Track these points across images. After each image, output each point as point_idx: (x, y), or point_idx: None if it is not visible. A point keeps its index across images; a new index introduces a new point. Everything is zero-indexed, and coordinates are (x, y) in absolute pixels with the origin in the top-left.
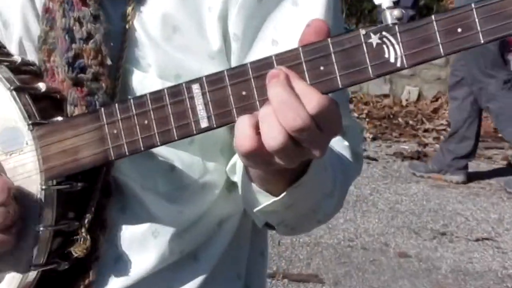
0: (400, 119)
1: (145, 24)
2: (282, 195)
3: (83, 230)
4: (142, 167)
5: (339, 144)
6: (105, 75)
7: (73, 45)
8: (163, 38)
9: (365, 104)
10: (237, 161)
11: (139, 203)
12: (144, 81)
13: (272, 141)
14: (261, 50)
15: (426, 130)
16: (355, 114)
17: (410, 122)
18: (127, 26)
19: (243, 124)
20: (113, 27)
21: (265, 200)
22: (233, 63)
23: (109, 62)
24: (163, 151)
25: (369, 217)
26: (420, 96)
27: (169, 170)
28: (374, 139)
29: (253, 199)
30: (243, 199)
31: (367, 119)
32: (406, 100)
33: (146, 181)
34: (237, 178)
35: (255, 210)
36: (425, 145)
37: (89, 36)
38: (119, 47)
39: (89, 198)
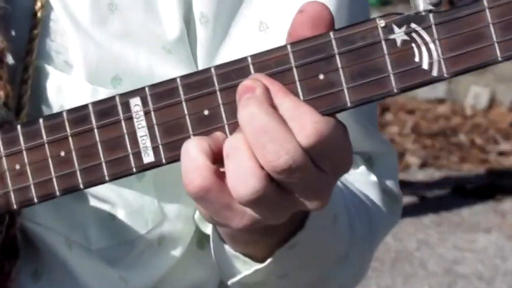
0: (462, 136)
1: (66, 1)
2: (268, 261)
3: None
4: (67, 212)
5: (361, 180)
6: (3, 78)
7: None
8: (94, 21)
9: (410, 113)
10: None
11: (62, 267)
12: (65, 86)
13: (241, 188)
14: (243, 38)
15: (501, 153)
16: (395, 129)
17: (477, 140)
18: (38, 4)
19: (193, 149)
20: (16, 6)
21: (243, 268)
22: (201, 60)
23: (10, 60)
24: (100, 190)
25: (415, 283)
26: (492, 102)
27: (108, 217)
28: (423, 165)
29: (227, 265)
30: (217, 264)
31: (412, 136)
32: (472, 107)
33: (73, 233)
34: (210, 230)
35: (229, 282)
36: (500, 174)
37: None
38: (26, 36)
39: None
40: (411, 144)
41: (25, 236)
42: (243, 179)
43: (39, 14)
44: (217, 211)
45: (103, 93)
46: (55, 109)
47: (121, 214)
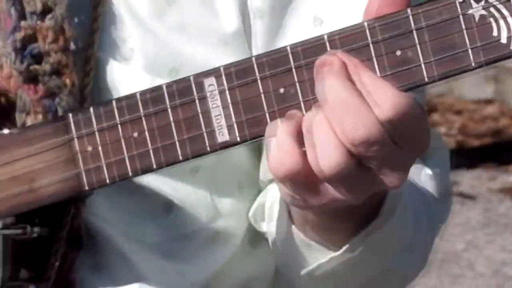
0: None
1: None
2: (344, 248)
3: None
4: (126, 207)
5: (418, 173)
6: (69, 66)
7: (22, 23)
8: (152, 13)
9: (457, 114)
10: (266, 202)
11: (121, 259)
12: (124, 77)
13: (325, 161)
14: (298, 33)
15: None
16: (442, 129)
17: None
18: None
19: (280, 134)
20: None
21: (318, 255)
22: (257, 51)
23: (75, 46)
24: (155, 184)
25: (463, 285)
26: None
27: (163, 212)
28: (471, 167)
29: (297, 255)
30: (280, 256)
31: (459, 137)
32: None
33: (131, 228)
34: (267, 226)
35: (303, 272)
36: None
37: (45, 9)
38: (88, 28)
39: (50, 250)
40: (459, 145)
41: (87, 228)
42: (325, 153)
43: (99, 7)
44: (301, 191)
45: (161, 83)
46: None
47: (175, 209)
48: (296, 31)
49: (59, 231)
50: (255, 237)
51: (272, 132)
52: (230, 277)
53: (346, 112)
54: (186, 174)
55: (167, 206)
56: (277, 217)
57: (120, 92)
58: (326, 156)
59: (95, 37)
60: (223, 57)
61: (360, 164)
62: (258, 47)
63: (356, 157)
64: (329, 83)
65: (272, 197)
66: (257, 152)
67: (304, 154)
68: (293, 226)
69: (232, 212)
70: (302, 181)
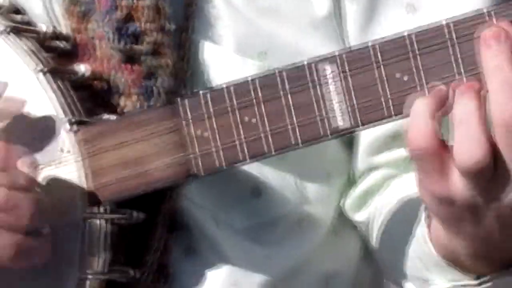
0: None
1: None
2: (484, 279)
3: (142, 281)
4: (215, 192)
5: None
6: (167, 47)
7: (120, 1)
8: None
9: None
10: (375, 196)
11: (211, 243)
12: (217, 57)
13: (466, 155)
14: (391, 20)
15: None
16: None
17: None
18: None
19: (422, 111)
20: None
21: (452, 276)
22: (353, 37)
23: (172, 26)
24: (243, 169)
25: None
26: None
27: (252, 196)
28: None
29: (418, 267)
30: (388, 263)
31: None
32: None
33: (220, 212)
34: (375, 223)
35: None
36: None
37: None
38: (183, 10)
39: (148, 235)
40: None
41: (181, 212)
42: (469, 146)
43: None
44: (429, 173)
45: (250, 65)
46: (207, 81)
47: (263, 194)
48: (389, 17)
49: (157, 216)
50: (340, 226)
51: (414, 105)
52: (315, 264)
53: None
54: (274, 159)
55: (255, 191)
56: (417, 221)
57: (210, 73)
58: (469, 149)
59: (189, 21)
60: (312, 41)
61: (495, 169)
62: (350, 33)
63: (493, 159)
64: (498, 62)
65: (369, 186)
66: (348, 142)
67: (439, 136)
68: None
69: (319, 199)
70: (432, 162)
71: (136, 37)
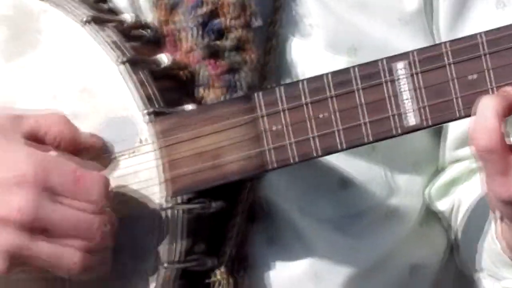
0: None
1: None
2: None
3: (220, 270)
4: (301, 182)
5: None
6: (251, 42)
7: None
8: None
9: None
10: (459, 185)
11: (295, 233)
12: (305, 53)
13: None
14: (481, 15)
15: None
16: None
17: None
18: None
19: (488, 110)
20: None
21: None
22: (444, 33)
23: (258, 23)
24: (331, 160)
25: None
26: None
27: (339, 187)
28: None
29: (488, 262)
30: (464, 253)
31: None
32: None
33: (305, 202)
34: (458, 213)
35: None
36: None
37: None
38: (270, 4)
39: (227, 225)
40: None
41: (261, 203)
42: None
43: None
44: (492, 174)
45: (340, 61)
46: (294, 76)
47: (350, 185)
48: (479, 13)
49: (236, 205)
50: (427, 217)
51: (479, 104)
52: (399, 257)
53: None
54: (363, 151)
55: (343, 182)
56: (489, 218)
57: (298, 68)
58: None
59: (277, 15)
60: (402, 37)
61: None
62: (440, 28)
63: None
64: None
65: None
66: (437, 132)
67: (503, 136)
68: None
69: (407, 190)
70: (495, 162)
71: (220, 33)
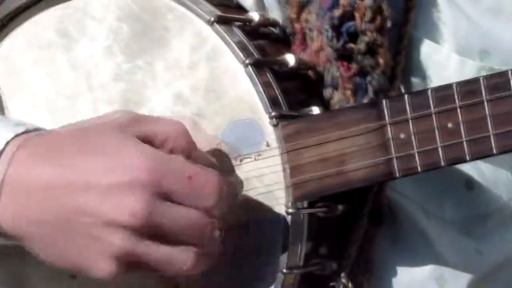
0: None
1: None
2: None
3: (343, 274)
4: (427, 183)
5: None
6: (384, 46)
7: (342, 0)
8: None
9: None
10: None
11: (419, 235)
12: (434, 56)
13: None
14: None
15: None
16: None
17: None
18: None
19: None
20: None
21: None
22: None
23: (389, 24)
24: None
25: None
26: None
27: (464, 189)
28: None
29: None
30: None
31: None
32: None
33: (429, 203)
34: None
35: None
36: None
37: None
38: (401, 6)
39: (352, 227)
40: None
41: (388, 204)
42: None
43: None
44: None
45: (470, 65)
46: (423, 79)
47: (476, 187)
48: None
49: (362, 208)
50: None
51: None
52: None
53: None
54: None
55: (469, 183)
56: None
57: (427, 71)
58: None
59: (410, 15)
60: None
61: None
62: None
63: None
64: None
65: None
66: None
67: None
68: None
69: None
70: None
71: (354, 36)
